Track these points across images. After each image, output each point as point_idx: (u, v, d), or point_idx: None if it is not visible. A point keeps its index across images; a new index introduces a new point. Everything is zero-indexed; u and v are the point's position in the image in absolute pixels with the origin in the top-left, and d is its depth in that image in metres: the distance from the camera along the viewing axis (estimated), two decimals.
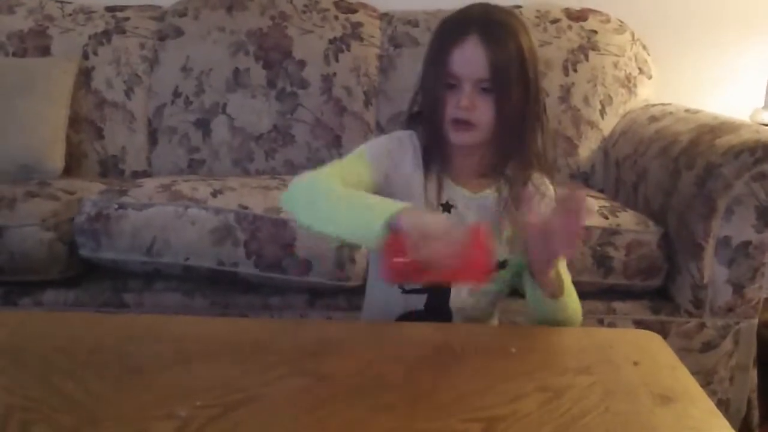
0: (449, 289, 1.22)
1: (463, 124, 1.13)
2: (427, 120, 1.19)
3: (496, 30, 1.11)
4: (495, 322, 1.31)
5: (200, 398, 0.85)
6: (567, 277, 1.17)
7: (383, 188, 1.14)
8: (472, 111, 1.12)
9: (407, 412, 0.84)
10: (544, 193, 1.22)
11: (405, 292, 1.21)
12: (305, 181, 1.09)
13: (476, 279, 0.95)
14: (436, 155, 1.20)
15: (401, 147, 1.21)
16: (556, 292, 1.12)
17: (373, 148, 1.21)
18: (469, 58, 1.11)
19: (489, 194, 1.21)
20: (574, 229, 1.01)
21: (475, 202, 1.20)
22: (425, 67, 1.20)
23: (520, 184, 1.19)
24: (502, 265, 1.20)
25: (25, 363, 0.95)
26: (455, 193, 1.20)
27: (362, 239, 1.07)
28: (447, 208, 1.19)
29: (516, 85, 1.12)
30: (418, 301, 1.22)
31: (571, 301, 1.16)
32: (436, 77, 1.14)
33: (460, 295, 1.21)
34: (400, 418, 0.82)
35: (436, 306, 1.22)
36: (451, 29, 1.15)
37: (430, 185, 1.19)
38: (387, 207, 0.98)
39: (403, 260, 0.93)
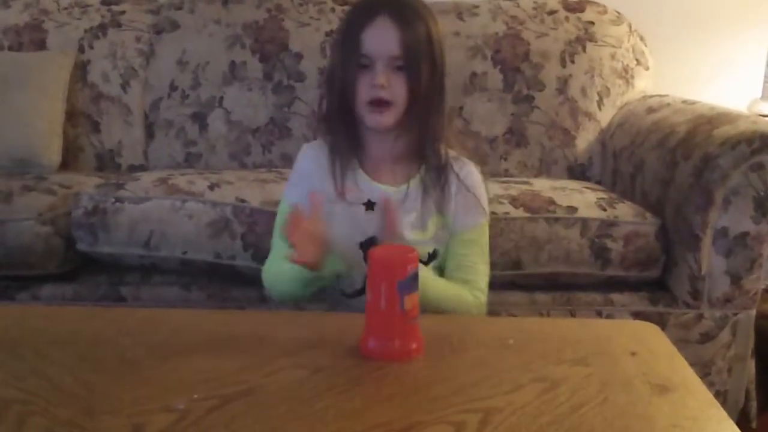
0: None
1: (380, 104, 1.16)
2: (340, 109, 1.21)
3: (405, 10, 1.16)
4: None
5: (198, 391, 0.85)
6: (480, 258, 1.24)
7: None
8: (388, 89, 1.15)
9: (404, 403, 0.84)
10: (465, 175, 1.25)
11: (348, 296, 1.24)
12: (266, 281, 1.26)
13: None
14: (349, 151, 1.23)
15: (306, 167, 1.28)
16: None
17: (289, 193, 1.29)
18: (381, 36, 1.15)
19: (407, 186, 1.23)
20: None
21: (395, 196, 1.21)
22: (334, 54, 1.24)
23: (438, 170, 1.23)
24: (432, 256, 1.22)
25: (22, 356, 0.95)
26: (374, 189, 1.22)
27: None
28: (370, 205, 1.22)
29: (425, 63, 1.16)
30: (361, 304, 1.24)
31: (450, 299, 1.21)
32: (349, 59, 1.17)
33: None
34: (396, 410, 0.82)
35: None
36: (361, 12, 1.19)
37: (349, 185, 1.23)
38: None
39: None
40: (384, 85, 1.14)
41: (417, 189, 1.23)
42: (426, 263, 1.22)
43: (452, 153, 1.25)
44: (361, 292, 1.22)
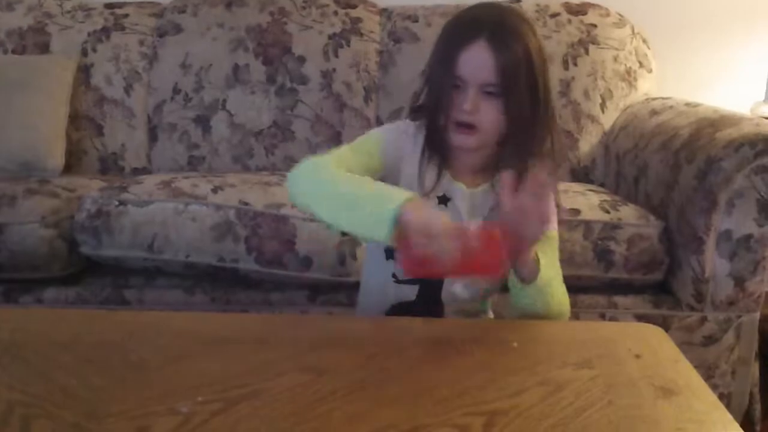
0: (442, 281, 1.22)
1: (466, 127, 1.14)
2: (430, 117, 1.20)
3: (505, 34, 1.11)
4: (490, 316, 1.31)
5: (202, 393, 0.85)
6: (554, 270, 1.17)
7: (387, 175, 1.16)
8: (475, 114, 1.12)
9: (409, 406, 0.84)
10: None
11: (398, 282, 1.22)
12: (310, 168, 1.14)
13: (489, 274, 1.06)
14: (437, 149, 1.20)
15: (405, 137, 1.22)
16: (528, 278, 1.11)
17: (380, 137, 1.23)
18: (477, 62, 1.11)
19: (484, 189, 1.22)
20: (539, 212, 1.03)
21: (470, 196, 1.21)
22: (432, 63, 1.20)
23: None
24: None
25: (26, 359, 0.94)
26: (453, 187, 1.21)
27: (368, 233, 1.03)
28: (444, 200, 1.20)
29: (524, 87, 1.12)
30: (411, 292, 1.22)
31: (557, 294, 1.16)
32: (443, 77, 1.15)
33: (453, 288, 1.22)
34: (401, 413, 0.82)
35: (428, 297, 1.22)
36: (460, 31, 1.15)
37: (429, 176, 1.20)
38: (393, 198, 0.99)
39: (420, 253, 0.95)
40: (472, 111, 1.12)
41: (494, 192, 1.21)
42: None
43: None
44: (413, 281, 1.22)
